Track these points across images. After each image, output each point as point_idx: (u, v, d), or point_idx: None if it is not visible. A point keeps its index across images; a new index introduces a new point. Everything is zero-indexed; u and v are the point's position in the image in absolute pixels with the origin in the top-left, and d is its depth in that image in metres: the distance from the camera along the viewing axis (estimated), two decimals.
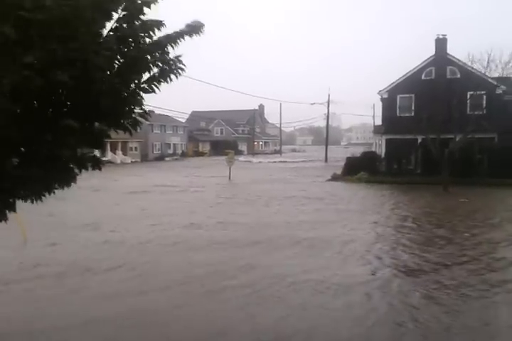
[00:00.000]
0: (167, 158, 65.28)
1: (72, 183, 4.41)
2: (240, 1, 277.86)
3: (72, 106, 3.80)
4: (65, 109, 3.83)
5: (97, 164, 4.50)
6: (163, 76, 4.37)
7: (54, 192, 4.50)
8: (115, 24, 3.93)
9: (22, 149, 3.83)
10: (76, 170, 4.38)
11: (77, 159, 4.25)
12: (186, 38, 4.40)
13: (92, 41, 3.71)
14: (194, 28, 4.42)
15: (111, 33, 3.91)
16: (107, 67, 3.83)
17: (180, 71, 4.42)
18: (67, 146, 3.84)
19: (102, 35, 3.84)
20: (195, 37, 4.48)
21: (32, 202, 4.23)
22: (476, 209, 18.70)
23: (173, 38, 4.32)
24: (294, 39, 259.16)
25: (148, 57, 4.20)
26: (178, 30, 4.39)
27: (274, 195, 22.99)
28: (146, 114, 4.70)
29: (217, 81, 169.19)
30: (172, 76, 4.44)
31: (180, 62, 4.42)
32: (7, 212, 4.23)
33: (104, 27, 3.84)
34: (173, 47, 4.37)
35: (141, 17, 3.98)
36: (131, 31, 3.91)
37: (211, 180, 31.98)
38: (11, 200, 4.11)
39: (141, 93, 4.41)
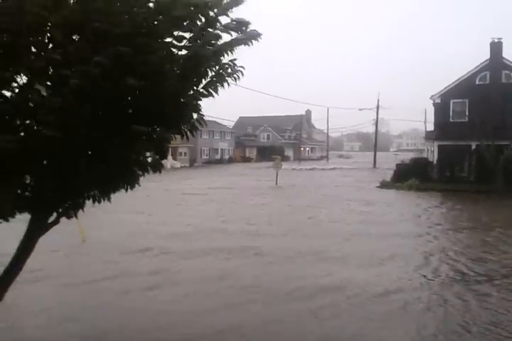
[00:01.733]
0: (213, 164, 66.15)
1: (137, 185, 4.65)
2: (285, 7, 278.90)
3: (139, 111, 4.02)
4: (132, 114, 4.05)
5: (158, 167, 4.69)
6: (220, 80, 4.50)
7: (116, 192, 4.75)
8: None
9: (93, 151, 4.07)
10: (139, 173, 4.61)
11: (141, 162, 4.48)
12: (243, 45, 4.54)
13: (167, 56, 3.89)
14: (251, 36, 4.54)
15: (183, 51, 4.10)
16: (174, 76, 4.02)
17: (238, 75, 4.53)
18: (134, 150, 4.06)
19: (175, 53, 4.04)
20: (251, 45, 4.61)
21: (99, 202, 4.48)
22: None
23: (232, 46, 4.45)
24: (342, 43, 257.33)
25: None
26: (235, 37, 4.53)
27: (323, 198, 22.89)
28: (202, 120, 4.88)
29: (265, 87, 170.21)
30: (229, 80, 4.57)
31: (236, 66, 4.53)
32: (75, 211, 4.51)
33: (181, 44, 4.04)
34: (231, 54, 4.50)
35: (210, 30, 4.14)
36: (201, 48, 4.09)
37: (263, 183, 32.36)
38: (80, 200, 4.38)
39: (199, 98, 4.58)
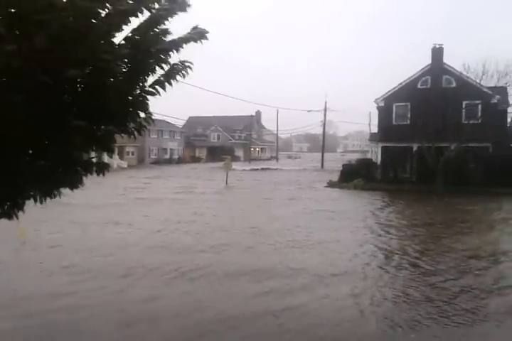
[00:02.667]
0: (162, 164, 65.28)
1: (79, 185, 4.54)
2: (235, 8, 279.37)
3: (80, 107, 3.93)
4: (73, 110, 3.95)
5: (102, 169, 4.61)
6: (168, 78, 4.49)
7: (60, 194, 4.63)
8: (129, 33, 4.09)
9: (33, 148, 3.94)
10: (82, 173, 4.52)
11: (84, 163, 4.39)
12: (190, 43, 4.55)
13: (101, 48, 3.83)
14: (198, 35, 4.56)
15: (123, 42, 4.07)
16: (116, 72, 3.96)
17: (186, 71, 4.52)
18: (75, 147, 3.97)
19: (113, 43, 3.98)
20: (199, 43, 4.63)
21: (41, 202, 4.35)
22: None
23: (178, 44, 4.45)
24: (292, 46, 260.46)
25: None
26: (182, 35, 4.53)
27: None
28: (150, 119, 4.85)
29: (214, 87, 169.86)
30: (178, 77, 4.55)
31: (184, 65, 4.53)
32: (16, 211, 4.36)
33: (115, 37, 3.99)
34: (177, 52, 4.51)
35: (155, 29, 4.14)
36: (143, 41, 4.08)
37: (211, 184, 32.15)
38: (20, 200, 4.24)
39: (147, 96, 4.55)
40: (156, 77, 4.48)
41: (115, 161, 55.36)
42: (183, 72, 4.46)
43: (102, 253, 11.47)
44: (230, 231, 14.94)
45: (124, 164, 57.01)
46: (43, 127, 3.72)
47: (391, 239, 14.19)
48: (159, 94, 4.57)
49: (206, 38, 4.58)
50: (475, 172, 28.85)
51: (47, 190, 4.28)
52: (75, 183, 4.55)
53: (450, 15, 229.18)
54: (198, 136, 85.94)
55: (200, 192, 27.63)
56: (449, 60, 32.79)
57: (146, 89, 4.44)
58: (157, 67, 4.39)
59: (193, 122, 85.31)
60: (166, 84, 4.50)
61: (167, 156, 71.44)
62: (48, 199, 4.35)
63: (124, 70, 4.20)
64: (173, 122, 71.67)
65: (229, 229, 15.30)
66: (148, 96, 4.59)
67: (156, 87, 4.47)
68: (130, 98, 4.33)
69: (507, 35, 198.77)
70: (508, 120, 32.83)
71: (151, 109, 4.80)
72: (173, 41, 4.42)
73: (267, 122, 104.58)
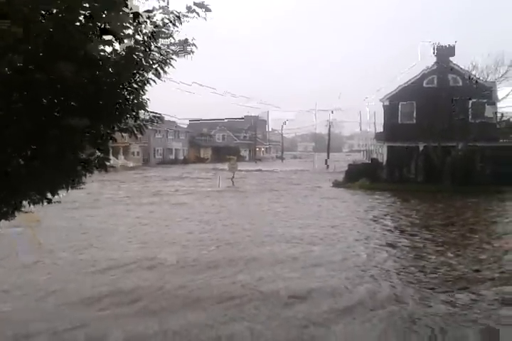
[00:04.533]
0: (167, 164, 65.27)
1: (79, 185, 4.44)
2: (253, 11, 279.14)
3: (75, 103, 3.81)
4: (68, 108, 3.83)
5: (103, 166, 4.50)
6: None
7: (58, 194, 4.53)
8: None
9: (27, 148, 3.82)
10: (82, 172, 4.41)
11: (83, 160, 4.27)
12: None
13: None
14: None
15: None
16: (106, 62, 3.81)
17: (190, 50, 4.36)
18: (71, 145, 3.85)
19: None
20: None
21: (39, 204, 4.25)
22: None
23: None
24: (298, 44, 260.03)
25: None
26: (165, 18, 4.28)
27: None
28: (158, 119, 4.75)
29: (221, 87, 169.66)
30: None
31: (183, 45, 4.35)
32: (14, 212, 4.26)
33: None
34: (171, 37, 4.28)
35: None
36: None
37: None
38: (14, 201, 4.12)
39: (141, 91, 4.36)
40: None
41: (120, 161, 55.51)
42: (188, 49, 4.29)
43: None
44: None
45: (129, 164, 57.11)
46: (37, 126, 3.60)
47: None
48: (155, 81, 4.36)
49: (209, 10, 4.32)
50: (482, 171, 28.61)
51: (43, 190, 4.18)
52: (73, 183, 4.46)
53: (457, 14, 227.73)
54: (203, 136, 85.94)
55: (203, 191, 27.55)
56: (456, 58, 32.58)
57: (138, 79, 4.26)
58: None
59: (198, 122, 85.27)
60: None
61: (172, 156, 71.46)
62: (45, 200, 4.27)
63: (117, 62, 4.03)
64: (178, 123, 71.92)
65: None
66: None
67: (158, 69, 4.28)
68: (124, 92, 4.18)
69: None
70: None
71: (157, 110, 4.71)
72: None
73: (273, 122, 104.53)
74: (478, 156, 28.69)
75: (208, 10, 4.21)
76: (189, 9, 4.14)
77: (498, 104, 30.64)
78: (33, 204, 4.26)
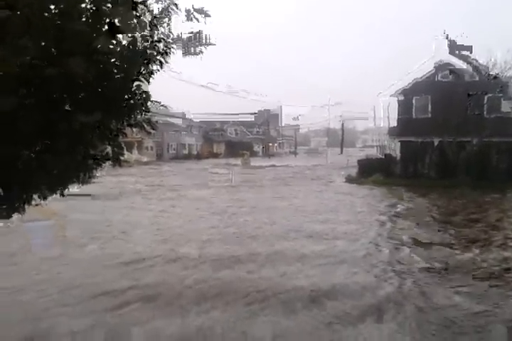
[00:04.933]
0: (180, 159, 65.47)
1: (90, 181, 4.47)
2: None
3: (85, 98, 3.82)
4: (77, 102, 3.84)
5: (116, 161, 4.51)
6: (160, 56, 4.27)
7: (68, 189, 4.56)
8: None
9: (38, 141, 3.85)
10: (93, 166, 4.44)
11: (94, 155, 4.30)
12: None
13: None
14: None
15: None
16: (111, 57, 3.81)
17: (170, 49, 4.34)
18: (82, 140, 3.87)
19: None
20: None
21: (45, 198, 4.28)
22: None
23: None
24: (311, 40, 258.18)
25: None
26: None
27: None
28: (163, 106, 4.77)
29: (235, 83, 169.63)
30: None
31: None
32: (26, 205, 4.31)
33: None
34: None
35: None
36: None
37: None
38: (24, 196, 4.16)
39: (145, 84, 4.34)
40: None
41: (133, 156, 55.86)
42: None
43: None
44: None
45: (144, 158, 57.47)
46: (48, 121, 3.62)
47: None
48: (161, 68, 4.34)
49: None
50: (498, 167, 28.23)
51: (54, 185, 4.21)
52: (84, 178, 4.49)
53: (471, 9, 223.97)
54: (216, 131, 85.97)
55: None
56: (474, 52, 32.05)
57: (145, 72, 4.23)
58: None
59: (211, 117, 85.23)
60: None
61: (185, 151, 71.69)
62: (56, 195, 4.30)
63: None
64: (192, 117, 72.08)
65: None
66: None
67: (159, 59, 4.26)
68: (132, 85, 4.17)
69: None
70: None
71: (169, 104, 4.70)
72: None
73: (286, 117, 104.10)
74: (493, 151, 28.32)
75: (207, 15, 4.22)
76: (188, 16, 4.14)
77: None
78: (44, 198, 4.28)
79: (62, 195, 4.54)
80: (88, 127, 3.76)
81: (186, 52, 4.68)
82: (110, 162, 4.53)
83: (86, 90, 3.74)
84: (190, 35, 4.68)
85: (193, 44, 4.74)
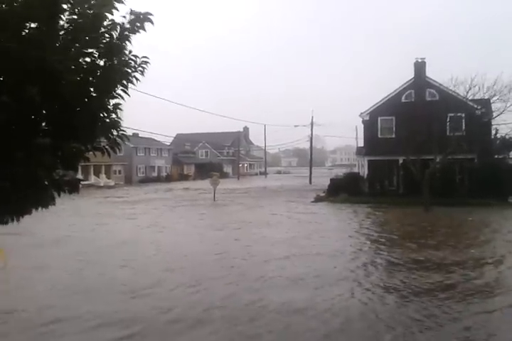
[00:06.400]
0: (150, 182, 64.75)
1: (50, 205, 4.41)
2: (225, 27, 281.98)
3: (45, 124, 3.81)
4: (37, 127, 3.82)
5: (75, 187, 4.47)
6: (127, 78, 4.31)
7: (30, 213, 4.48)
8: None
9: None
10: (54, 192, 4.38)
11: (54, 181, 4.25)
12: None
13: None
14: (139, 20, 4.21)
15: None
16: (74, 81, 3.83)
17: (143, 68, 4.37)
18: (41, 165, 3.83)
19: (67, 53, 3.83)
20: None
21: (6, 223, 4.20)
22: None
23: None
24: (276, 62, 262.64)
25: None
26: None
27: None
28: (125, 136, 4.69)
29: (202, 104, 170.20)
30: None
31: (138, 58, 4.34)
32: None
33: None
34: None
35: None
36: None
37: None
38: None
39: (116, 113, 4.38)
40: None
41: (102, 180, 55.05)
42: (140, 68, 4.30)
43: None
44: None
45: (111, 182, 56.64)
46: (5, 146, 3.60)
47: None
48: (123, 98, 4.39)
49: (150, 22, 4.25)
50: (461, 183, 28.99)
51: (14, 210, 4.13)
52: (44, 203, 4.42)
53: (439, 32, 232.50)
54: (186, 152, 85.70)
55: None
56: (434, 74, 33.28)
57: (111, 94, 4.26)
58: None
59: (180, 139, 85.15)
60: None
61: (155, 174, 71.04)
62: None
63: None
64: (160, 139, 71.69)
65: None
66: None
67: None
68: (101, 112, 4.19)
69: (496, 48, 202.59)
70: (493, 132, 33.09)
71: (136, 127, 4.71)
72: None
73: (255, 138, 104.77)
74: (456, 169, 29.12)
75: (151, 22, 4.21)
76: (133, 24, 4.14)
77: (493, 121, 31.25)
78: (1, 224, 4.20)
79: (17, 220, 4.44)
80: (46, 152, 3.74)
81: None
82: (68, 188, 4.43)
83: (44, 115, 3.74)
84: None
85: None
